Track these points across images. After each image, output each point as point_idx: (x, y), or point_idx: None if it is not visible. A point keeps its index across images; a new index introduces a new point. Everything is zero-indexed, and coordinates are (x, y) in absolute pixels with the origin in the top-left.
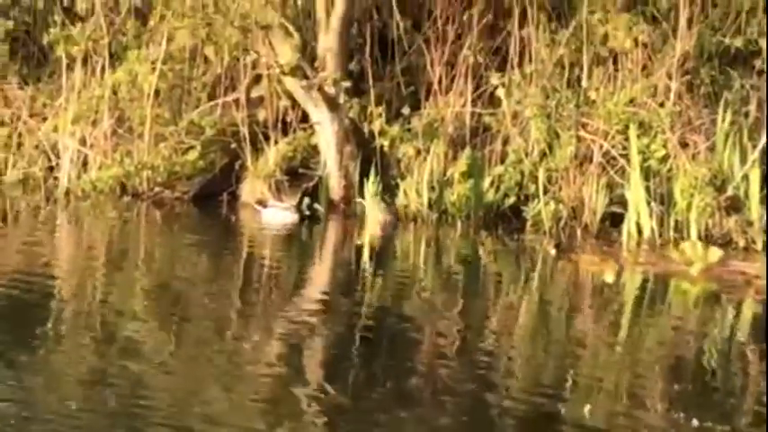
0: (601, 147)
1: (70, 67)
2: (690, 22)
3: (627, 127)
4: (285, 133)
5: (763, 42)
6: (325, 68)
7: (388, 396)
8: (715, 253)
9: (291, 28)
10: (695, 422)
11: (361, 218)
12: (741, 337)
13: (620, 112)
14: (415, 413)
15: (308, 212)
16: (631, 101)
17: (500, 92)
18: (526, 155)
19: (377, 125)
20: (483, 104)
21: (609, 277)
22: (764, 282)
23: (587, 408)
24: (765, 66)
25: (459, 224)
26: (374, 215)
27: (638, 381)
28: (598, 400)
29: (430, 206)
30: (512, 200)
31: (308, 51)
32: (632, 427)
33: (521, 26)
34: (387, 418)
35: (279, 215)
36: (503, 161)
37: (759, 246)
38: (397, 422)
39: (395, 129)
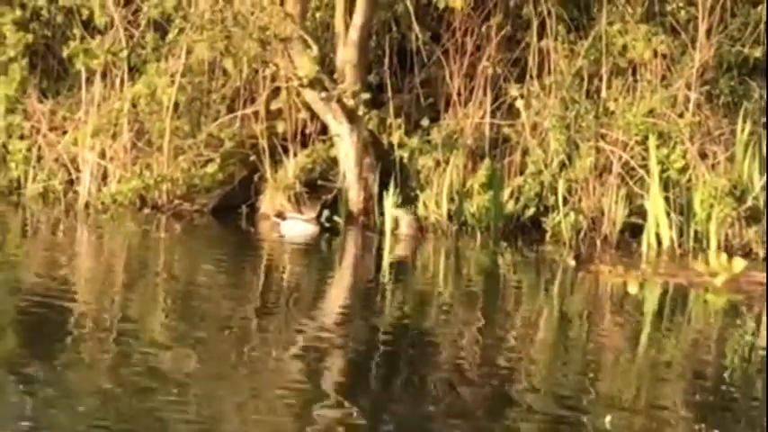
0: (620, 158)
1: (89, 81)
2: (709, 32)
3: (646, 138)
4: (304, 145)
5: None
6: (344, 80)
7: (408, 409)
8: (739, 263)
9: (310, 40)
10: None
11: (382, 229)
12: (763, 348)
13: (640, 122)
14: (430, 428)
15: (327, 224)
16: (650, 111)
17: (519, 103)
18: (545, 166)
19: (396, 137)
20: (502, 116)
21: (632, 288)
22: None
23: (608, 419)
24: (766, 72)
25: (478, 235)
26: (401, 223)
27: (660, 392)
28: (619, 412)
29: (449, 218)
30: (531, 211)
31: (326, 64)
32: None
33: (539, 37)
34: (399, 427)
35: (299, 227)
36: (522, 172)
37: None
38: None
39: (414, 140)
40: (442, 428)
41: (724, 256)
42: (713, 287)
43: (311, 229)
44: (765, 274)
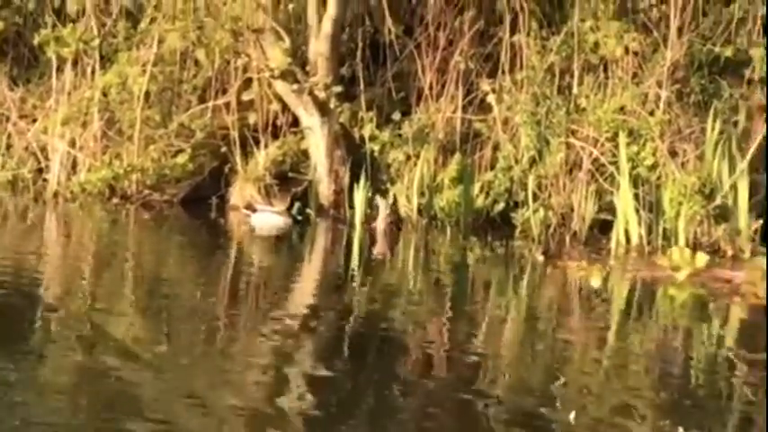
0: (590, 154)
1: (60, 69)
2: (680, 30)
3: (616, 134)
4: (275, 137)
5: (753, 52)
6: (316, 73)
7: (375, 399)
8: (702, 258)
9: (282, 32)
10: (680, 430)
11: (352, 222)
12: (727, 344)
13: (610, 119)
14: (399, 420)
15: (299, 217)
16: (621, 108)
17: (491, 98)
18: (516, 161)
19: (367, 130)
20: (473, 110)
21: (595, 282)
22: (752, 288)
23: (572, 415)
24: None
25: (448, 230)
26: (380, 212)
27: (626, 386)
28: (585, 405)
29: (419, 212)
30: (501, 206)
31: (299, 55)
32: None
33: (512, 33)
34: (369, 419)
35: (269, 219)
36: (492, 167)
37: (747, 254)
38: (378, 424)
39: (385, 134)
40: (409, 419)
41: (687, 251)
42: (676, 282)
43: (282, 222)
44: (732, 272)
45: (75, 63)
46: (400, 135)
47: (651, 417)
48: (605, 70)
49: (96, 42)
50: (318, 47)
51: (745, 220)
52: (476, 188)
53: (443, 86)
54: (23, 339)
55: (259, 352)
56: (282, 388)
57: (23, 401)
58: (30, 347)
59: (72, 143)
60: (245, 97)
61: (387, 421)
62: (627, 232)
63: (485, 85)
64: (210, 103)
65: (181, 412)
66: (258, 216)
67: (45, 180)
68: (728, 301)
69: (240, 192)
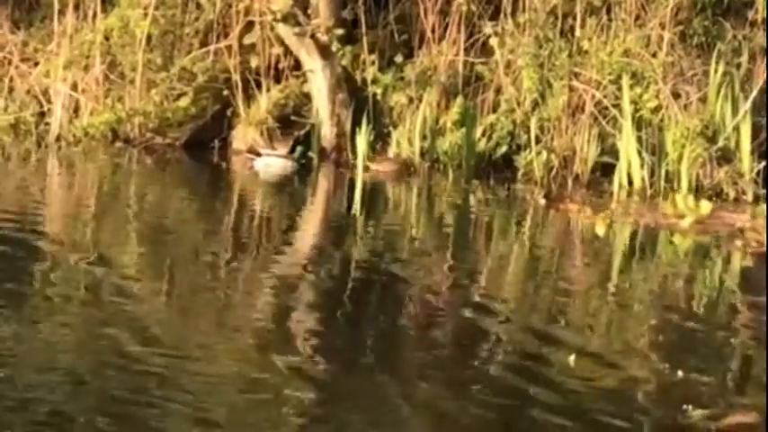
0: (593, 97)
1: (62, 12)
2: None
3: (619, 77)
4: (277, 81)
5: None
6: (318, 16)
7: (376, 344)
8: (706, 206)
9: None
10: (680, 373)
11: (354, 165)
12: (729, 290)
13: (613, 62)
14: (405, 361)
15: (302, 161)
16: (624, 51)
17: (493, 41)
18: (518, 104)
19: (369, 73)
20: (476, 53)
21: (600, 230)
22: (755, 235)
23: (572, 357)
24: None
25: (450, 173)
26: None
27: (626, 330)
28: (585, 348)
29: (422, 155)
30: (503, 149)
31: None
32: (616, 376)
33: None
34: (369, 355)
35: (274, 163)
36: (495, 110)
37: (750, 197)
38: (380, 370)
39: (387, 77)
40: (411, 361)
41: (691, 198)
42: (680, 229)
43: (288, 165)
44: (736, 215)
45: (76, 6)
46: (402, 78)
47: (651, 358)
48: (608, 12)
49: None
50: None
51: (747, 162)
52: (478, 131)
53: (445, 29)
54: (23, 284)
55: (259, 296)
56: (281, 335)
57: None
58: (28, 292)
59: (74, 86)
60: (247, 40)
61: (387, 369)
62: (629, 175)
63: (487, 28)
64: (212, 47)
65: (178, 357)
66: (262, 160)
67: (47, 124)
68: (731, 247)
69: (242, 135)
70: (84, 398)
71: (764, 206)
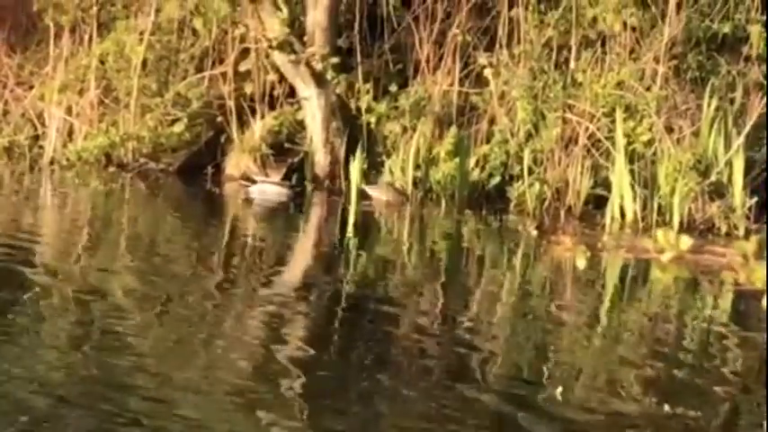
0: (586, 129)
1: (58, 36)
2: (678, 6)
3: (613, 110)
4: (272, 108)
5: (751, 29)
6: (313, 44)
7: (366, 375)
8: (686, 242)
9: (280, 2)
10: (666, 408)
11: (348, 194)
12: (715, 323)
13: (607, 94)
14: (388, 398)
15: (297, 189)
16: (618, 84)
17: (488, 72)
18: (512, 135)
19: (364, 102)
20: (470, 84)
21: (580, 262)
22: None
23: (559, 390)
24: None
25: (443, 203)
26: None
27: (615, 365)
28: (572, 383)
29: (415, 184)
30: (497, 180)
31: (296, 26)
32: (602, 411)
33: (510, 6)
34: (358, 389)
35: (270, 190)
36: (488, 141)
37: (741, 231)
38: (370, 403)
39: (382, 106)
40: (398, 395)
41: (672, 233)
42: (660, 264)
43: (283, 192)
44: (723, 249)
45: (72, 30)
46: (397, 107)
47: (640, 396)
48: (603, 45)
49: (94, 10)
50: (316, 17)
51: (739, 197)
52: (471, 162)
53: (440, 59)
54: (15, 306)
55: (252, 322)
56: (274, 361)
57: (6, 367)
58: (21, 315)
59: (69, 110)
60: (242, 67)
61: (376, 398)
62: (622, 208)
63: (482, 59)
64: (207, 73)
65: (169, 383)
66: (258, 187)
67: (41, 147)
68: (715, 280)
69: (236, 162)
70: (74, 423)
71: (742, 243)
